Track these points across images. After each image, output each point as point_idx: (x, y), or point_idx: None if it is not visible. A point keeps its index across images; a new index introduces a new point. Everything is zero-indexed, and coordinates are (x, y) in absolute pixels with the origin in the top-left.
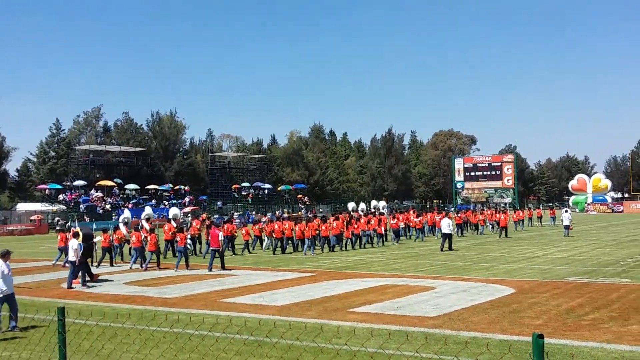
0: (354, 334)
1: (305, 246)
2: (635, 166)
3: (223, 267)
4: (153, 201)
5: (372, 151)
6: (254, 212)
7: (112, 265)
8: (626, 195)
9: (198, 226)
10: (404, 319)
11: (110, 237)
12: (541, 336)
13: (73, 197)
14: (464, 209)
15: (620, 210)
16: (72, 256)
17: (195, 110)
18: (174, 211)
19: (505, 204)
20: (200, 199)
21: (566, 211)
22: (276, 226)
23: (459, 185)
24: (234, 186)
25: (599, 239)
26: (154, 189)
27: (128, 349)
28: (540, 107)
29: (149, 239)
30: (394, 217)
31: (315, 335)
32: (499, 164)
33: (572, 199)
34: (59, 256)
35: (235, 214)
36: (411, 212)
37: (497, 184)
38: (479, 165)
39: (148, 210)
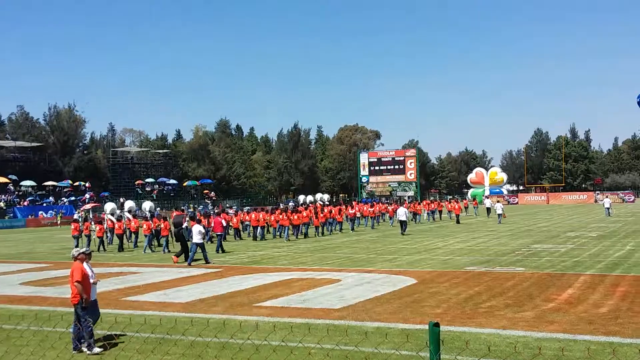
0: (258, 329)
1: (286, 234)
2: (529, 160)
3: (221, 250)
4: (51, 198)
5: (278, 146)
6: (158, 209)
7: (120, 250)
8: (521, 187)
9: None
10: (310, 312)
11: (124, 225)
12: (437, 324)
13: None
14: (369, 202)
15: (516, 202)
16: (198, 239)
17: (95, 104)
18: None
19: (408, 197)
20: (101, 195)
21: (498, 201)
22: (253, 216)
23: (364, 179)
24: (137, 182)
25: (495, 230)
26: (52, 185)
27: (22, 351)
28: (441, 103)
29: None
30: (352, 207)
31: (219, 330)
32: (402, 158)
33: (470, 191)
34: (75, 244)
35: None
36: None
37: (401, 177)
38: (383, 159)
39: (130, 203)
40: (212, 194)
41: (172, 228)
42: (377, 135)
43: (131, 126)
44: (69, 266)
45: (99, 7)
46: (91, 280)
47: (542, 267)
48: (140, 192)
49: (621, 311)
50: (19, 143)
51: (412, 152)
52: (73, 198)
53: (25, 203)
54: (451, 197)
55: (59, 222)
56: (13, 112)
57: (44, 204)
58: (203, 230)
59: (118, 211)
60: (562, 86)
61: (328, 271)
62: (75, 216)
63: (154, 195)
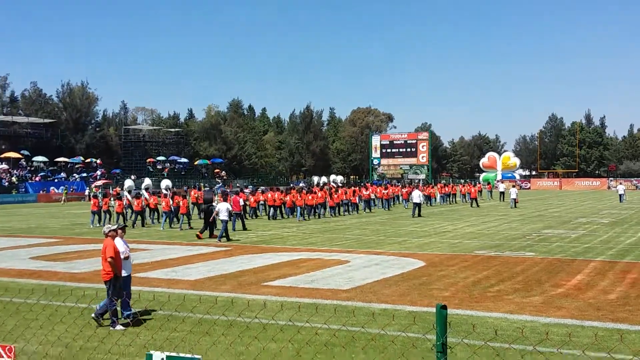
0: (265, 307)
1: (297, 213)
2: (542, 145)
3: (244, 228)
4: (62, 174)
5: (290, 127)
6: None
7: (143, 225)
8: (534, 172)
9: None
10: (318, 292)
11: (142, 202)
12: (444, 307)
13: None
14: (381, 184)
15: (528, 187)
16: (225, 216)
17: (108, 82)
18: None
19: (419, 180)
20: (113, 172)
21: (513, 186)
22: (269, 195)
23: (375, 162)
24: (149, 160)
25: (506, 215)
26: (64, 161)
27: (31, 325)
28: (455, 87)
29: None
30: (366, 189)
31: (227, 308)
32: (414, 141)
33: (482, 175)
34: (92, 219)
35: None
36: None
37: (412, 160)
38: (395, 142)
39: (147, 181)
40: (223, 173)
41: (191, 206)
42: (390, 118)
43: (143, 104)
44: (79, 242)
45: None
46: (122, 256)
47: (552, 253)
48: (151, 170)
49: (630, 298)
50: (32, 119)
51: (424, 135)
52: (85, 174)
53: (37, 178)
54: (464, 180)
55: (63, 199)
56: (26, 88)
57: (56, 180)
58: (230, 208)
59: (131, 189)
60: (578, 72)
61: (337, 252)
62: (86, 192)
63: (165, 174)
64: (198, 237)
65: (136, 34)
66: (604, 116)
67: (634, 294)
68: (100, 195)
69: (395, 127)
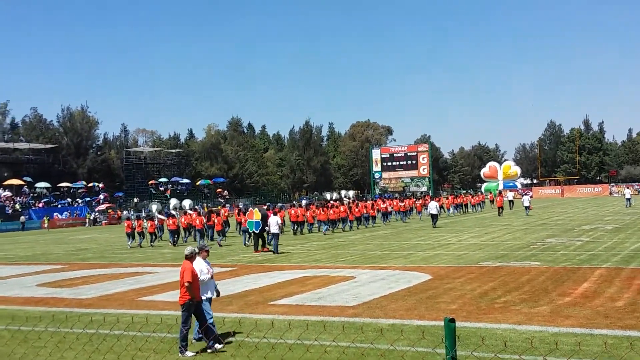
0: (273, 327)
1: (324, 227)
2: (542, 153)
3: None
4: (68, 199)
5: (290, 143)
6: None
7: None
8: (535, 181)
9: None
10: (325, 310)
11: (178, 222)
12: (452, 320)
13: None
14: (396, 197)
15: (530, 195)
16: (275, 229)
17: (107, 105)
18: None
19: (422, 192)
20: (115, 195)
21: (526, 194)
22: (292, 212)
23: (376, 176)
24: (150, 182)
25: (509, 224)
26: (67, 186)
27: (40, 352)
28: (453, 98)
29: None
30: (384, 202)
31: (235, 329)
32: (415, 153)
33: (484, 186)
34: (131, 240)
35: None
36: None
37: (413, 173)
38: (395, 155)
39: (174, 201)
40: (226, 192)
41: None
42: (389, 131)
43: (144, 126)
44: (84, 267)
45: (109, 9)
46: (201, 277)
47: (557, 261)
48: (154, 191)
49: (638, 305)
50: (33, 145)
51: (424, 147)
52: (88, 199)
53: (40, 205)
54: (472, 191)
55: (46, 225)
56: (27, 114)
57: (59, 206)
58: (280, 222)
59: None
60: (575, 78)
61: (342, 268)
62: (89, 216)
63: (168, 195)
64: (258, 251)
65: (134, 57)
66: (602, 121)
67: None
68: (133, 218)
69: (394, 140)
